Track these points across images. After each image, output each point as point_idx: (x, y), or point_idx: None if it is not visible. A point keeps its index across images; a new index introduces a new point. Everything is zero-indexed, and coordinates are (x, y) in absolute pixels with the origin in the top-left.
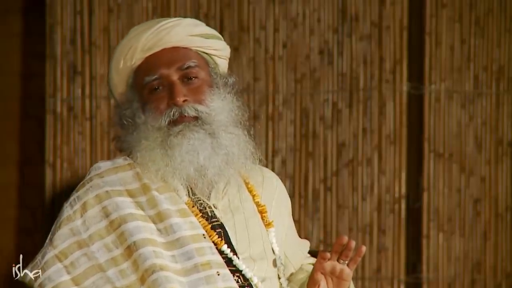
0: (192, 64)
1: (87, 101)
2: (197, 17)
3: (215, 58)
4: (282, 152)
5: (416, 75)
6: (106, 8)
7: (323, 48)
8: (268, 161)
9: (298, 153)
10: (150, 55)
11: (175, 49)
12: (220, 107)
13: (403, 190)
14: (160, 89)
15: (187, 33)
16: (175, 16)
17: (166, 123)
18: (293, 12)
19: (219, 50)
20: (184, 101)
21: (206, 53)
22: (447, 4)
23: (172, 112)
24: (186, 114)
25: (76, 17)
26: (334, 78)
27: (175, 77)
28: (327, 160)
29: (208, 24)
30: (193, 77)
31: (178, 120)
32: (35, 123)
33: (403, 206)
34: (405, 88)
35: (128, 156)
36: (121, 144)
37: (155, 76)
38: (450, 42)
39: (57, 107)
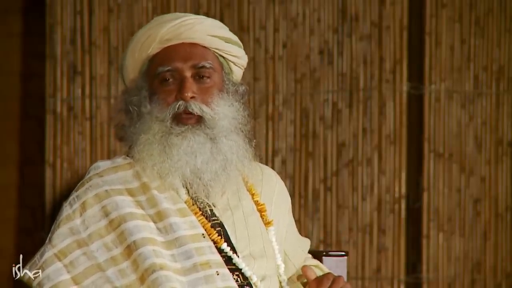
0: (207, 64)
1: (87, 101)
2: None
3: (231, 64)
4: (282, 152)
5: (416, 75)
6: (106, 8)
7: (323, 48)
8: (268, 161)
9: (298, 153)
10: (168, 47)
11: (193, 45)
12: (224, 113)
13: (403, 190)
14: (171, 81)
15: (208, 32)
16: None
17: (170, 115)
18: (293, 12)
19: (236, 57)
20: (192, 97)
21: (223, 57)
22: (447, 4)
23: (178, 105)
24: (190, 110)
25: (76, 17)
26: (334, 78)
27: (188, 73)
28: (327, 160)
29: None
30: (206, 77)
31: (182, 118)
32: (35, 123)
33: (403, 206)
34: (405, 88)
35: (128, 149)
36: (123, 134)
37: (169, 68)
38: (450, 42)
39: (57, 107)
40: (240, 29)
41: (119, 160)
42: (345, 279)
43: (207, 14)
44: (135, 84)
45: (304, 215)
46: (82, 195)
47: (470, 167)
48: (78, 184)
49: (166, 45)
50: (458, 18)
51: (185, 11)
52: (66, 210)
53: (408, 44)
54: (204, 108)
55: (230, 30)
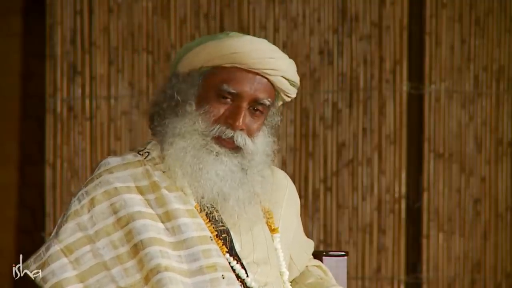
0: (267, 102)
1: (87, 101)
2: (197, 17)
3: (280, 100)
4: (282, 152)
5: (416, 75)
6: (106, 8)
7: (323, 48)
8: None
9: (298, 153)
10: (241, 69)
11: (263, 79)
12: (262, 148)
13: (403, 190)
14: (228, 101)
15: (283, 74)
16: (175, 16)
17: (216, 135)
18: (293, 12)
19: (289, 98)
20: (241, 129)
21: (279, 94)
22: (447, 4)
23: (226, 132)
24: (235, 141)
25: (76, 17)
26: (334, 78)
27: (246, 103)
28: (327, 160)
29: (208, 24)
30: (260, 111)
31: (223, 140)
32: (35, 123)
33: (403, 206)
34: (405, 88)
35: (152, 136)
36: (155, 117)
37: (235, 92)
38: (450, 42)
39: (57, 107)
40: (240, 29)
41: (130, 157)
42: (345, 279)
43: (207, 15)
44: (188, 76)
45: (304, 215)
46: (91, 191)
47: (470, 167)
48: (87, 180)
49: (241, 66)
50: (458, 18)
51: (185, 11)
52: (75, 205)
53: (408, 44)
54: (248, 141)
55: (230, 30)
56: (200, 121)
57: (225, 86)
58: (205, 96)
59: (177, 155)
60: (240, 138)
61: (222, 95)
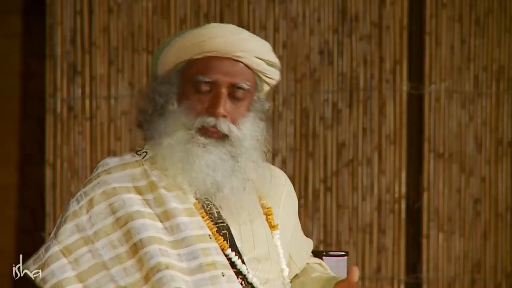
0: (245, 86)
1: (87, 101)
2: (197, 17)
3: (264, 83)
4: (282, 152)
5: (416, 75)
6: (106, 8)
7: (323, 48)
8: (268, 161)
9: (298, 153)
10: (212, 57)
11: (237, 63)
12: (249, 133)
13: (403, 190)
14: (206, 92)
15: (257, 55)
16: (175, 16)
17: (200, 126)
18: (293, 12)
19: (272, 79)
20: (223, 116)
21: (260, 77)
22: (447, 4)
23: (208, 120)
24: (219, 128)
25: (76, 17)
26: (334, 78)
27: (225, 89)
28: (327, 160)
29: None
30: (241, 97)
31: (208, 131)
32: (35, 123)
33: (403, 206)
34: (405, 88)
35: (143, 141)
36: (144, 123)
37: (209, 80)
38: (450, 42)
39: (57, 107)
40: None
41: (128, 158)
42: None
43: (207, 15)
44: (167, 76)
45: (304, 215)
46: (89, 191)
47: (470, 167)
48: (86, 180)
49: (213, 55)
50: (458, 18)
51: (185, 11)
52: (73, 206)
53: (408, 44)
54: (232, 127)
55: None
56: (182, 117)
57: (200, 77)
58: (184, 92)
59: (166, 154)
60: (224, 125)
61: (199, 87)
